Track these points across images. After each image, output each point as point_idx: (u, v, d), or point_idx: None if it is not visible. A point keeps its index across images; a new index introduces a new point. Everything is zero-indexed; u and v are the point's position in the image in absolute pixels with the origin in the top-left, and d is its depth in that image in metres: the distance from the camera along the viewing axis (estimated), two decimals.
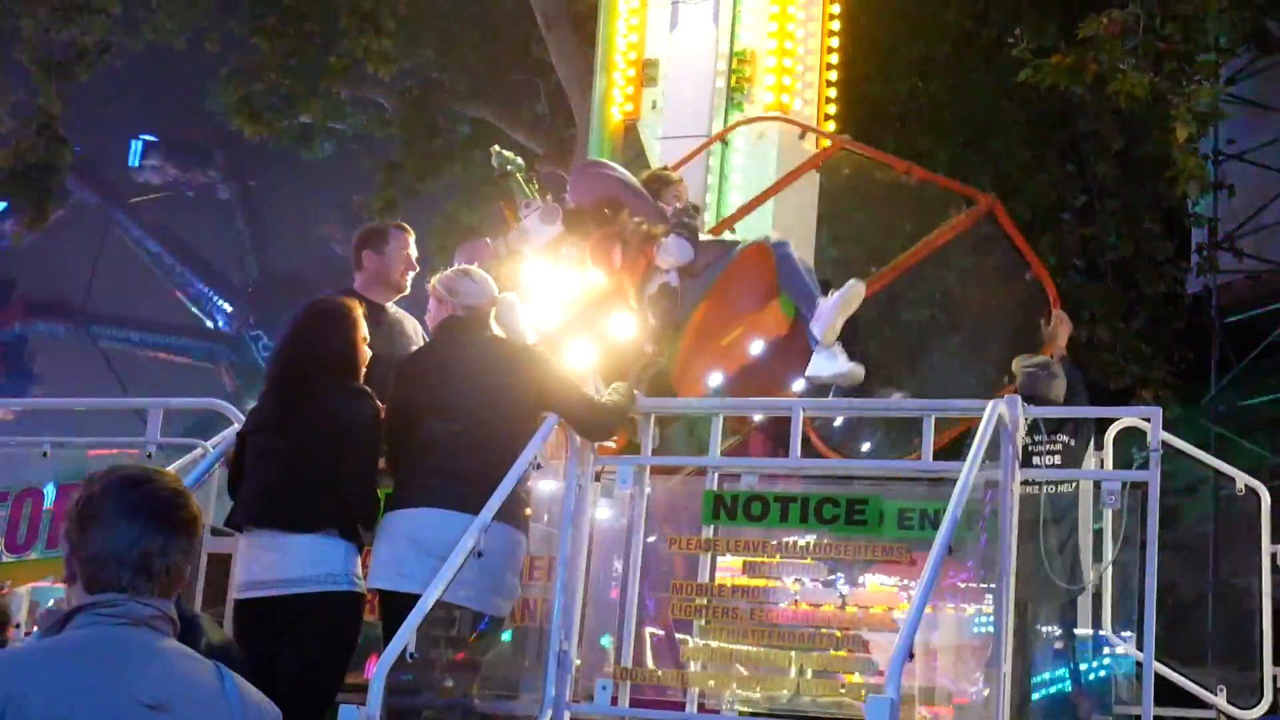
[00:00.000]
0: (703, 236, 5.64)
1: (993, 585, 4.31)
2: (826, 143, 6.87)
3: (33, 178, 12.78)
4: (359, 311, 4.16)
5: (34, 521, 4.82)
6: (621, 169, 6.23)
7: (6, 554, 4.76)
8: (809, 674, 4.12)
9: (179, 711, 2.10)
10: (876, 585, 4.78)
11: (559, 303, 5.28)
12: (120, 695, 2.09)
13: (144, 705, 2.07)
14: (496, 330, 4.50)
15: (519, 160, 5.92)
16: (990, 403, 4.15)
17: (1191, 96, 8.36)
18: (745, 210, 6.56)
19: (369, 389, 4.13)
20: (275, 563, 3.92)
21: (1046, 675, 5.95)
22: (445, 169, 13.64)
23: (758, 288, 5.34)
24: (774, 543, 4.27)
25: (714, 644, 4.27)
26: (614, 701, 4.24)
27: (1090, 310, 11.08)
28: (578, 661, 4.34)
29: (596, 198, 5.68)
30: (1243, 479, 5.66)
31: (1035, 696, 5.65)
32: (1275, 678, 5.40)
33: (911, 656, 3.44)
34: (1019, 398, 4.28)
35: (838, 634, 4.08)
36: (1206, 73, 9.14)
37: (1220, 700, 5.59)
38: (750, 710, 4.46)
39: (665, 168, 6.57)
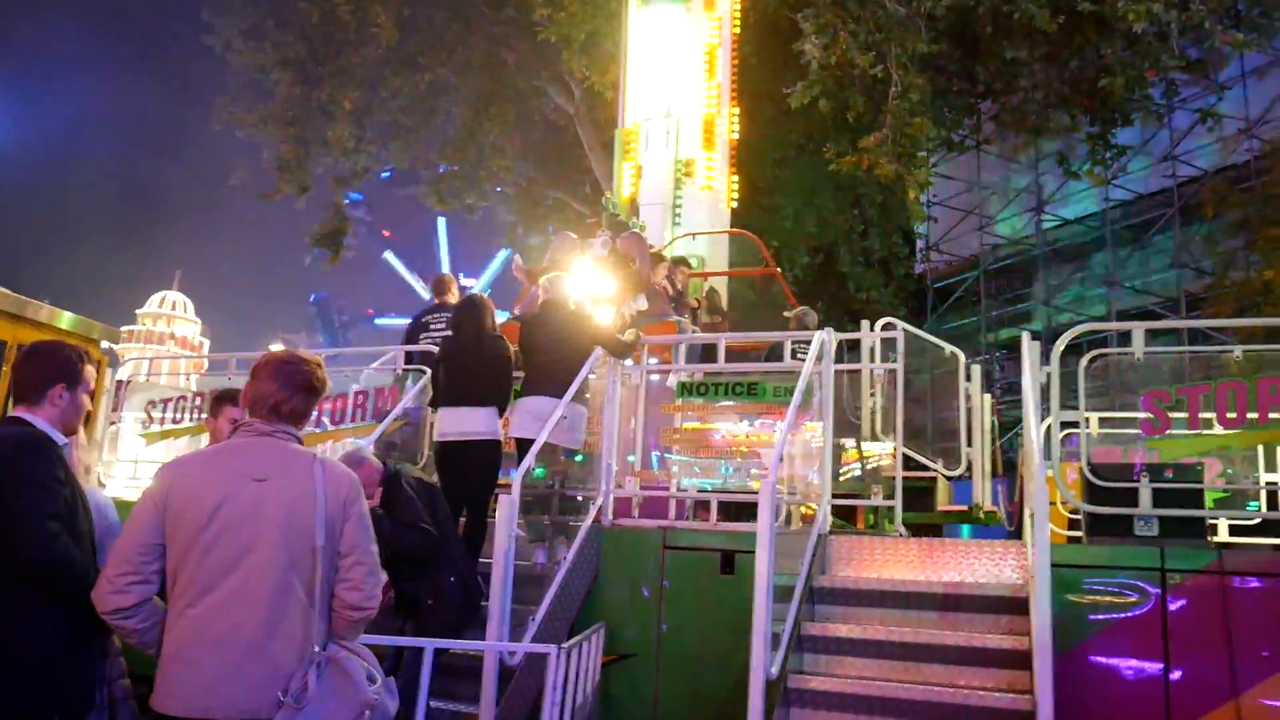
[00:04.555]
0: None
1: (821, 422, 6.28)
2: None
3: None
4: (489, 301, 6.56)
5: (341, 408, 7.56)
6: (645, 242, 9.02)
7: (330, 425, 7.39)
8: (732, 470, 6.56)
9: (276, 480, 2.85)
10: (765, 426, 6.70)
11: (593, 285, 7.91)
12: (235, 473, 2.84)
13: (251, 478, 2.83)
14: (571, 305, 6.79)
15: (613, 210, 10.41)
16: (819, 333, 6.29)
17: (915, 175, 13.55)
18: (701, 274, 10.83)
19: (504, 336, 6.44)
20: (463, 422, 6.17)
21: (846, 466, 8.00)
22: (540, 228, 21.19)
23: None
24: (713, 405, 6.56)
25: (682, 457, 6.62)
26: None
27: (864, 285, 18.01)
28: (616, 468, 6.46)
29: (625, 248, 8.53)
30: (948, 347, 8.04)
31: (842, 476, 7.71)
32: (967, 455, 7.43)
33: (781, 460, 5.32)
34: (829, 329, 6.47)
35: (744, 449, 6.49)
36: (922, 163, 14.44)
37: (939, 466, 7.67)
38: (701, 489, 6.68)
39: (662, 251, 9.73)
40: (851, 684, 4.88)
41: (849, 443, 7.66)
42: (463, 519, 6.14)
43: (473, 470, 6.19)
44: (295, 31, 18.43)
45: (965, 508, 8.08)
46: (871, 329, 7.37)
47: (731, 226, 12.69)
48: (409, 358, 7.88)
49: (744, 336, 8.48)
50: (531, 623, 5.38)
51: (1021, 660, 4.67)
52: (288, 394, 2.94)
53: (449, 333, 6.62)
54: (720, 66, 12.48)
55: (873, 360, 7.46)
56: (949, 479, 7.41)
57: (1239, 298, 14.45)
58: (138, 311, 25.06)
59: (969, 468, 7.55)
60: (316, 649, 2.79)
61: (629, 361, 6.82)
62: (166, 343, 23.55)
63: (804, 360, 6.12)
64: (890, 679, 4.93)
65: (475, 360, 6.32)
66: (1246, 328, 12.31)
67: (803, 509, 7.05)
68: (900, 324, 7.10)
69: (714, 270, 11.27)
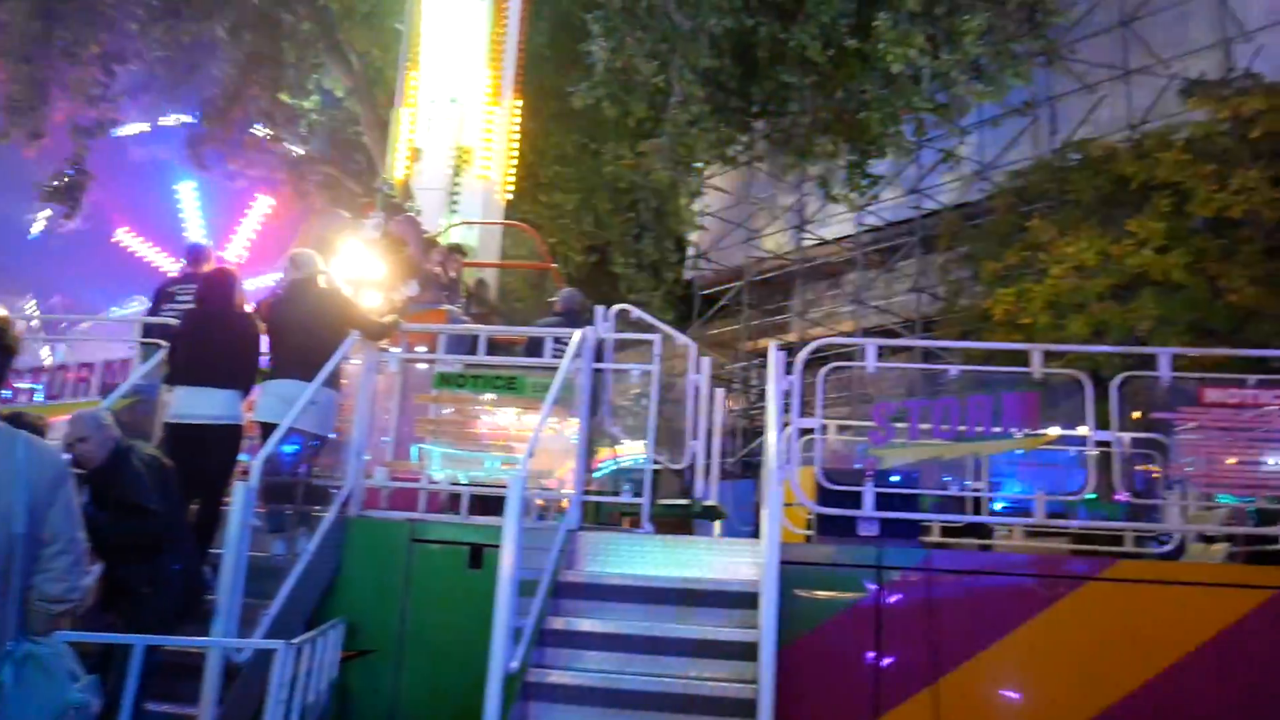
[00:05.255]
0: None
1: (577, 419, 6.36)
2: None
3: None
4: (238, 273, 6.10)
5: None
6: (420, 226, 8.81)
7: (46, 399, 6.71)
8: (500, 464, 6.35)
9: None
10: (525, 421, 6.50)
11: (363, 267, 7.68)
12: None
13: None
14: (322, 283, 6.47)
15: (389, 192, 9.97)
16: (579, 331, 6.34)
17: (689, 184, 14.10)
18: (478, 264, 10.56)
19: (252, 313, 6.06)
20: (201, 403, 5.71)
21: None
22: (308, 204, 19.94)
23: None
24: (477, 397, 6.40)
25: (438, 448, 6.42)
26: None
27: (636, 287, 18.10)
28: (368, 457, 6.28)
29: (399, 232, 8.31)
30: (680, 337, 7.88)
31: (598, 474, 7.92)
32: (693, 449, 7.18)
33: (533, 454, 5.33)
34: (593, 329, 6.58)
35: (502, 443, 6.37)
36: (696, 173, 15.04)
37: (666, 459, 7.43)
38: (455, 482, 6.44)
39: (436, 237, 9.39)
40: (590, 677, 4.97)
41: (606, 439, 7.72)
42: (195, 506, 5.69)
43: (209, 456, 5.78)
44: None
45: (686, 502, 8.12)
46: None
47: (507, 218, 12.62)
48: (147, 329, 7.23)
49: (509, 330, 8.43)
50: (264, 618, 5.07)
51: (753, 652, 4.90)
52: None
53: (193, 306, 6.12)
54: (506, 57, 12.40)
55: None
56: (675, 472, 7.54)
57: (964, 323, 15.94)
58: None
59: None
60: (11, 645, 2.58)
61: (389, 347, 6.57)
62: None
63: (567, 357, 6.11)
64: (629, 672, 5.05)
65: (220, 337, 5.93)
66: (967, 350, 13.58)
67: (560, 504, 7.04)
68: (635, 310, 7.23)
69: (486, 261, 11.15)
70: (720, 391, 7.55)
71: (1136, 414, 6.61)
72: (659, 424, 6.72)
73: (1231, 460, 5.85)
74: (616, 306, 7.79)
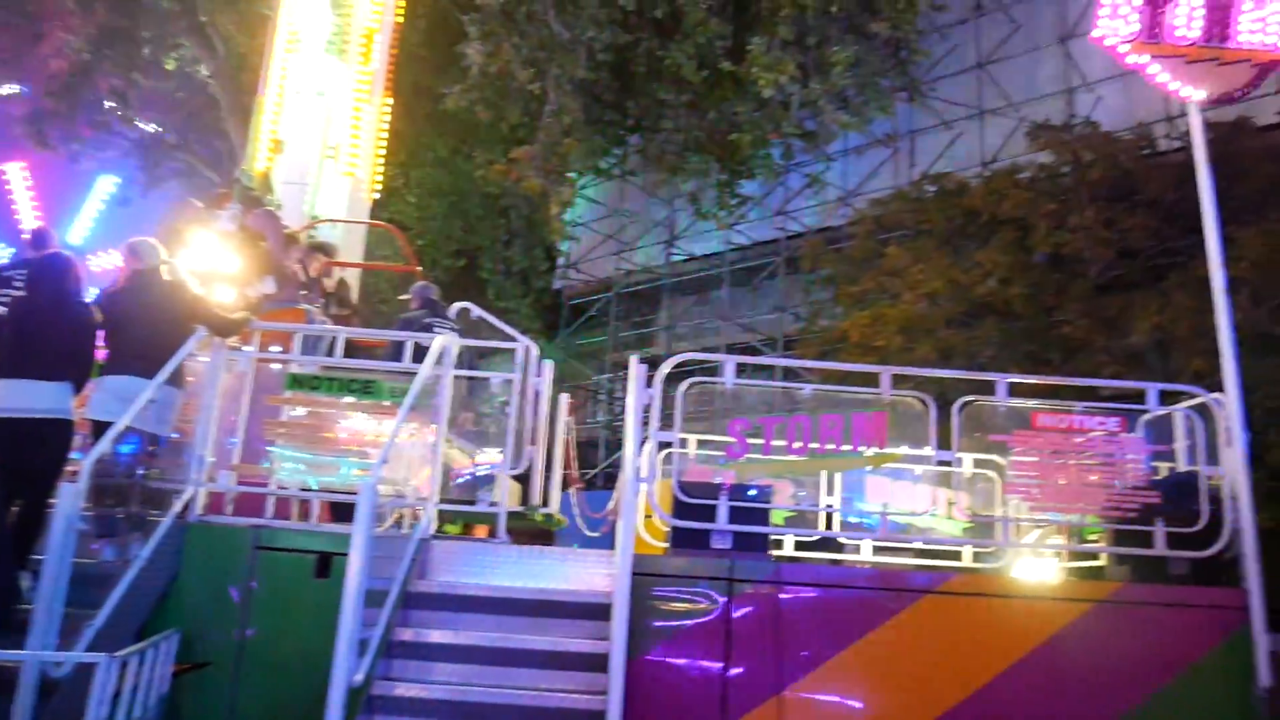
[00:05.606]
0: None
1: (434, 425, 6.18)
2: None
3: None
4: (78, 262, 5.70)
5: None
6: (280, 221, 8.46)
7: None
8: (342, 468, 6.05)
9: None
10: (380, 426, 6.19)
11: (216, 260, 7.37)
12: None
13: None
14: (166, 275, 6.14)
15: (248, 184, 9.48)
16: (440, 338, 6.24)
17: (560, 194, 14.02)
18: (341, 263, 9.94)
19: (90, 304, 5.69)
20: (26, 397, 5.30)
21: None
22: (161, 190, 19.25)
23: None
24: (332, 400, 6.15)
25: (290, 452, 6.08)
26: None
27: (504, 294, 18.23)
28: (212, 459, 6.02)
29: (258, 227, 7.96)
30: (524, 341, 7.22)
31: (461, 481, 7.46)
32: (530, 454, 7.01)
33: (387, 460, 5.35)
34: (454, 334, 6.58)
35: (357, 447, 6.07)
36: (568, 183, 15.04)
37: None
38: (305, 487, 6.19)
39: (297, 233, 9.05)
40: (438, 690, 4.87)
41: (464, 447, 7.61)
42: (16, 508, 5.29)
43: (33, 453, 5.39)
44: None
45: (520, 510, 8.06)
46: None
47: (374, 218, 12.32)
48: None
49: (368, 333, 8.21)
50: (88, 629, 4.75)
51: (604, 663, 4.91)
52: None
53: (23, 292, 5.71)
54: (378, 53, 12.09)
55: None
56: (516, 478, 7.45)
57: (823, 343, 16.47)
58: None
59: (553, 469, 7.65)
60: None
61: (241, 345, 6.31)
62: None
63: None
64: (478, 684, 4.99)
65: (51, 327, 5.54)
66: (824, 369, 14.05)
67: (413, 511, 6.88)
68: (476, 309, 7.16)
69: (349, 260, 10.84)
70: (565, 396, 7.47)
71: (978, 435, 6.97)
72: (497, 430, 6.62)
73: (1060, 481, 6.22)
74: (456, 305, 7.71)
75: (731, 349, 20.73)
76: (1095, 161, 14.42)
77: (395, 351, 6.99)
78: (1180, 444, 6.53)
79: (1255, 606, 5.56)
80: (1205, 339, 6.85)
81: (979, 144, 19.39)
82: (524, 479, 7.28)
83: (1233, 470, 5.93)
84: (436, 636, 5.15)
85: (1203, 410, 6.24)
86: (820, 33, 14.76)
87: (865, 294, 15.51)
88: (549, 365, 7.14)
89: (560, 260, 23.79)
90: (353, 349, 7.42)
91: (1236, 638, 5.58)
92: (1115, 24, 6.57)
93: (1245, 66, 6.56)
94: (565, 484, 8.31)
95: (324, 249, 9.08)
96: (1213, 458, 6.09)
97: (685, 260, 23.68)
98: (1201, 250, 6.53)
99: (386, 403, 6.13)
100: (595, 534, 8.43)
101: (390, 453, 5.37)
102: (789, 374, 16.64)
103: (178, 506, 5.75)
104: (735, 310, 22.40)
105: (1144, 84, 6.90)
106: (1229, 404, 6.03)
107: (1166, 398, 6.46)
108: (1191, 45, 6.49)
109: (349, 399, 6.20)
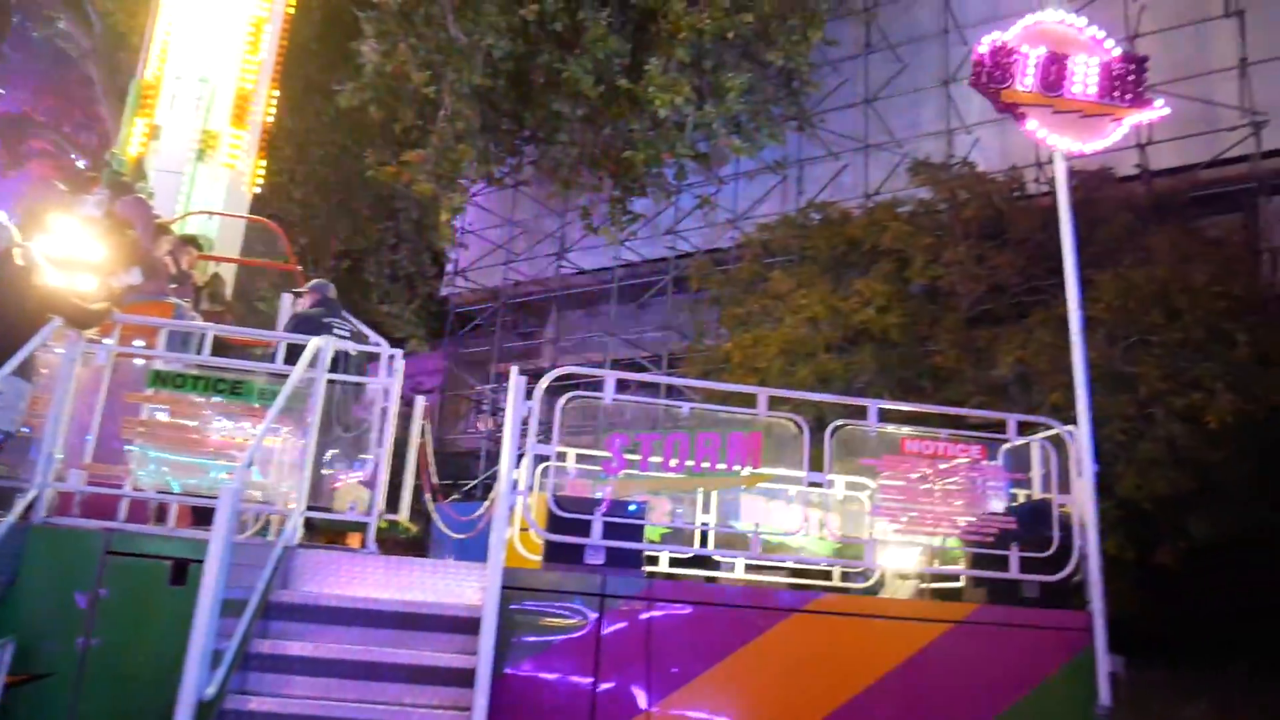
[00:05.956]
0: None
1: (307, 430, 5.95)
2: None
3: None
4: None
5: None
6: (150, 210, 8.09)
7: None
8: (211, 472, 5.82)
9: None
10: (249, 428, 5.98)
11: (77, 247, 6.68)
12: None
13: None
14: (18, 259, 5.74)
15: (118, 168, 9.03)
16: (314, 340, 6.03)
17: (451, 199, 14.05)
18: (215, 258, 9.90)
19: None
20: None
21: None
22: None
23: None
24: (199, 400, 5.94)
25: (151, 453, 5.86)
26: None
27: (388, 298, 18.15)
28: (61, 456, 5.72)
29: (126, 214, 7.61)
30: (380, 342, 7.37)
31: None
32: (378, 458, 6.60)
33: (251, 464, 5.22)
34: (328, 337, 6.22)
35: (224, 450, 5.85)
36: (459, 189, 15.01)
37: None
38: (164, 490, 5.97)
39: (168, 224, 8.64)
40: (295, 704, 4.70)
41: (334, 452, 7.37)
42: None
43: None
44: None
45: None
46: (393, 345, 7.12)
47: (255, 213, 11.88)
48: None
49: (243, 331, 7.90)
50: None
51: (470, 678, 4.83)
52: None
53: None
54: (266, 43, 11.71)
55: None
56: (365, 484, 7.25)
57: (707, 362, 16.68)
58: None
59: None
60: None
61: (101, 338, 5.99)
62: None
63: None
64: (338, 698, 4.83)
65: None
66: (705, 389, 14.25)
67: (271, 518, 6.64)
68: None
69: (225, 255, 10.43)
70: (420, 399, 7.25)
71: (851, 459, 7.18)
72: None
73: (924, 505, 6.43)
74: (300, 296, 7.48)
75: (618, 364, 20.82)
76: (970, 200, 15.09)
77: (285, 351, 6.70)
78: (1036, 473, 6.84)
79: (1098, 628, 5.87)
80: (1064, 374, 7.23)
81: (863, 176, 20.04)
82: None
83: (1082, 499, 6.25)
84: (296, 649, 4.96)
85: (1057, 441, 6.56)
86: (716, 58, 15.03)
87: (749, 316, 15.80)
88: (400, 364, 6.86)
89: (449, 267, 23.46)
90: (225, 348, 7.12)
91: (1081, 658, 5.88)
92: (989, 72, 6.89)
93: (1106, 120, 6.97)
94: (424, 493, 8.10)
95: (193, 242, 8.70)
96: (1065, 487, 6.40)
97: (575, 274, 23.69)
98: (1063, 290, 6.88)
99: (256, 405, 5.91)
100: (462, 536, 8.19)
101: (259, 457, 5.12)
102: (673, 392, 16.80)
103: (19, 507, 5.35)
104: (622, 326, 22.51)
105: (1017, 130, 7.26)
106: (1080, 436, 6.36)
107: (1025, 428, 6.78)
108: (1057, 97, 6.86)
109: (217, 399, 5.88)
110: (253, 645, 4.93)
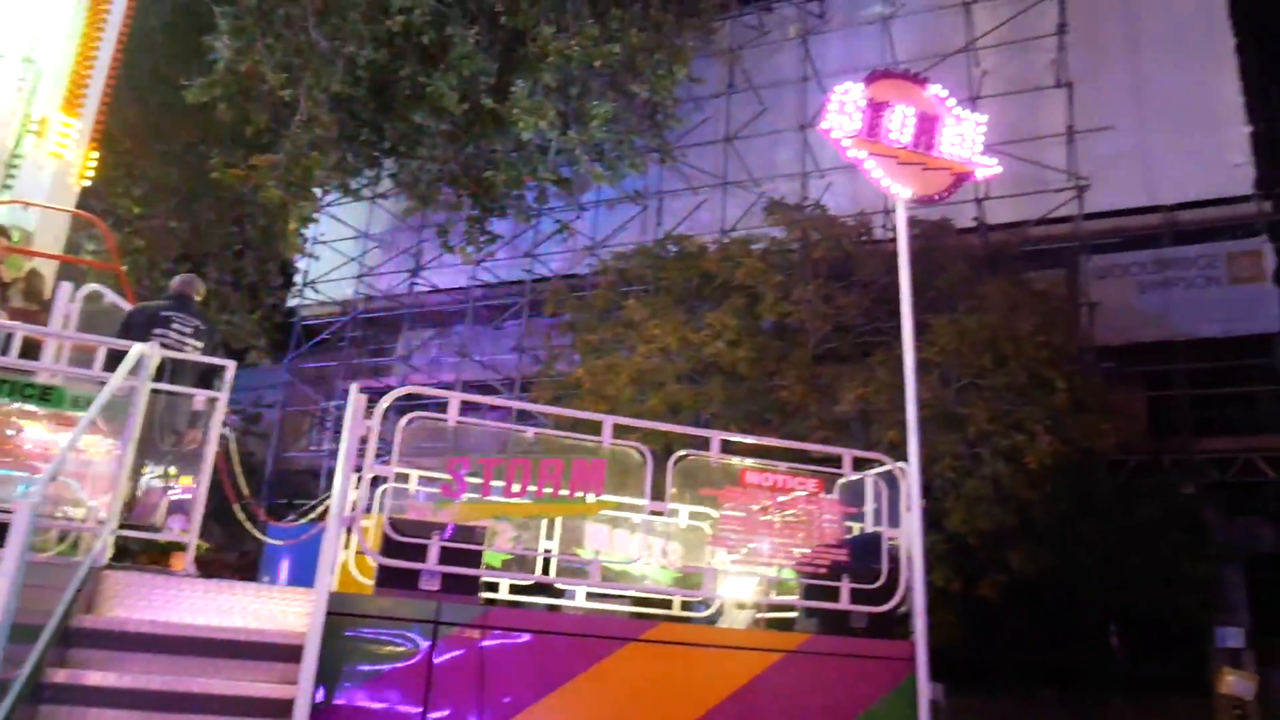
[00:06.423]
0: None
1: (123, 439, 5.52)
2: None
3: None
4: None
5: None
6: None
7: None
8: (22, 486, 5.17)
9: None
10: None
11: None
12: None
13: None
14: None
15: None
16: (137, 346, 5.66)
17: (302, 208, 13.81)
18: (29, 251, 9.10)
19: None
20: None
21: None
22: None
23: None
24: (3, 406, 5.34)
25: None
26: None
27: (229, 307, 17.23)
28: None
29: None
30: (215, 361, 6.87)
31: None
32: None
33: (56, 477, 4.74)
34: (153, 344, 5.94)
35: (29, 460, 5.33)
36: (310, 197, 14.67)
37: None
38: None
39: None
40: None
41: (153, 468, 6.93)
42: None
43: None
44: None
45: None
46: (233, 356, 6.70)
47: (82, 207, 11.11)
48: None
49: (88, 337, 7.30)
50: None
51: (289, 709, 4.58)
52: None
53: None
54: (107, 26, 11.00)
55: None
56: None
57: (559, 387, 16.65)
58: None
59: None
60: None
61: None
62: None
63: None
64: None
65: None
66: (555, 414, 14.20)
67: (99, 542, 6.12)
68: (110, 294, 6.60)
69: (42, 250, 9.69)
70: (222, 400, 6.76)
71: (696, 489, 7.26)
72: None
73: (764, 535, 6.55)
74: (87, 287, 7.08)
75: (471, 386, 20.51)
76: (821, 241, 15.67)
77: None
78: (869, 507, 7.09)
79: (920, 657, 6.10)
80: (902, 412, 7.55)
81: (721, 212, 20.55)
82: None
83: (910, 533, 6.50)
84: (96, 679, 4.59)
85: (890, 477, 6.82)
86: (583, 85, 15.14)
87: (603, 343, 15.89)
88: (229, 376, 6.49)
89: (297, 278, 22.62)
90: (35, 349, 6.60)
91: (904, 685, 6.09)
92: (841, 120, 7.17)
93: (945, 174, 7.36)
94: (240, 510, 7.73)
95: (6, 232, 8.06)
96: (895, 521, 6.65)
97: (430, 292, 23.28)
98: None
99: (69, 413, 5.48)
100: (280, 542, 7.73)
101: (67, 469, 4.74)
102: (525, 416, 16.67)
103: None
104: (476, 347, 22.23)
105: (865, 176, 7.57)
106: (910, 472, 6.63)
107: (861, 464, 7.01)
108: (902, 149, 7.20)
109: (21, 405, 5.43)
110: (47, 674, 4.53)
